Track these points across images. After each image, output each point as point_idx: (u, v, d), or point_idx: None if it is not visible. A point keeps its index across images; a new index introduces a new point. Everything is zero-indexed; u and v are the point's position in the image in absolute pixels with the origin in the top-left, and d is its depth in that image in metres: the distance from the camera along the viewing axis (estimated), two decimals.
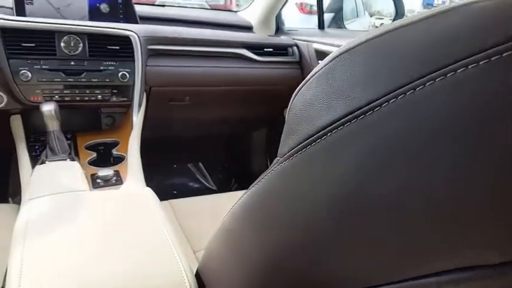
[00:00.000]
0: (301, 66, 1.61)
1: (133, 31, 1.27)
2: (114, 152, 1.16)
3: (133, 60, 1.27)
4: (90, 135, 1.28)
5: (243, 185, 2.12)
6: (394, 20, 1.62)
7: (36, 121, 1.23)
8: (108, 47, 1.24)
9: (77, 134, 1.28)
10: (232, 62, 1.49)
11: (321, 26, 1.62)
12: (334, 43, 1.43)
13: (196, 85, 1.44)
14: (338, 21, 1.69)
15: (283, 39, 1.63)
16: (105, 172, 0.97)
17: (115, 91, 1.26)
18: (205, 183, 2.15)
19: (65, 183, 0.83)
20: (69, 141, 1.19)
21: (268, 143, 2.00)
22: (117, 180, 0.98)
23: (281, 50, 1.59)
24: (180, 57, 1.41)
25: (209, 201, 1.18)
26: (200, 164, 2.18)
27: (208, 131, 1.89)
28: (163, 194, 1.09)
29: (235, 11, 1.99)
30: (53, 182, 0.84)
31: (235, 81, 1.50)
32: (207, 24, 1.68)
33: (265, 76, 1.55)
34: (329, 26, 1.65)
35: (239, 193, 1.20)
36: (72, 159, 1.04)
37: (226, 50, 1.47)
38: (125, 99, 1.28)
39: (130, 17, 1.44)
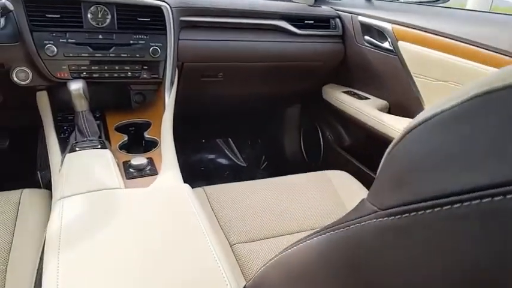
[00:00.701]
0: (344, 41, 1.48)
1: (165, 1, 1.16)
2: (146, 135, 1.09)
3: (165, 34, 1.17)
4: (119, 114, 1.21)
5: (274, 162, 2.04)
6: None
7: (63, 96, 1.16)
8: (138, 18, 1.14)
9: (106, 112, 1.21)
10: (269, 35, 1.37)
11: None
12: (384, 17, 1.28)
13: (231, 61, 1.33)
14: None
15: (324, 9, 1.49)
16: (139, 161, 0.90)
17: (145, 67, 1.17)
18: (234, 160, 2.08)
19: (98, 179, 0.76)
20: (98, 122, 1.12)
21: (302, 120, 1.89)
22: (151, 169, 0.91)
23: (323, 22, 1.45)
24: (215, 30, 1.30)
25: (245, 188, 1.11)
26: (229, 139, 2.11)
27: (240, 106, 1.80)
28: (191, 171, 1.05)
29: None
30: (85, 177, 0.77)
31: (272, 56, 1.38)
32: None
33: (305, 51, 1.42)
34: None
35: (277, 180, 1.13)
36: (103, 144, 0.97)
37: (264, 21, 1.35)
38: (156, 75, 1.19)
39: None
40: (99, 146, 0.94)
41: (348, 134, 1.55)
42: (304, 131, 1.87)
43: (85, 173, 0.79)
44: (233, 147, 2.11)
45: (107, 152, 0.90)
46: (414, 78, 1.19)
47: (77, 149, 0.92)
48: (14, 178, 1.72)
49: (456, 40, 1.04)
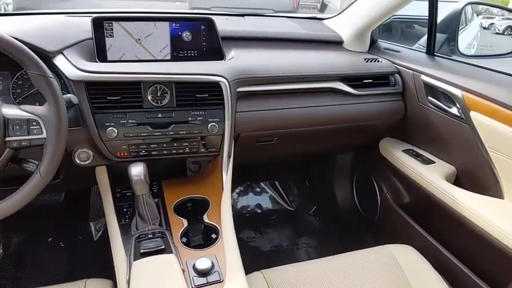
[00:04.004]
0: (404, 98, 1.40)
1: (223, 76, 1.13)
2: (206, 219, 1.06)
3: (223, 108, 1.14)
4: (176, 185, 1.20)
5: (324, 207, 1.98)
6: None
7: (121, 171, 1.16)
8: (197, 95, 1.12)
9: (162, 183, 1.20)
10: (326, 98, 1.32)
11: (430, 49, 1.37)
12: (452, 81, 1.20)
13: (287, 127, 1.29)
14: (451, 41, 1.43)
15: (383, 65, 1.41)
16: (203, 264, 0.88)
17: (203, 142, 1.15)
18: (282, 203, 2.04)
19: None
20: (156, 200, 1.11)
21: (354, 167, 1.82)
22: (216, 273, 0.88)
23: (381, 79, 1.38)
24: (271, 97, 1.26)
25: (306, 271, 1.06)
26: (276, 182, 2.06)
27: (290, 158, 1.76)
28: (237, 218, 1.04)
29: (321, 18, 1.78)
30: None
31: (328, 120, 1.33)
32: (293, 41, 1.51)
33: (363, 112, 1.36)
34: (440, 48, 1.39)
35: (338, 259, 1.07)
36: (165, 239, 0.95)
37: (320, 85, 1.31)
38: (214, 149, 1.17)
39: (213, 43, 1.28)
40: (163, 246, 0.92)
41: (411, 196, 1.46)
42: (357, 180, 1.80)
43: None
44: (280, 190, 2.06)
45: (172, 260, 0.87)
46: (489, 153, 1.10)
47: (142, 249, 0.90)
48: (70, 228, 1.77)
49: None
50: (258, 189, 2.07)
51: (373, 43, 1.61)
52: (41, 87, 0.85)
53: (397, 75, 1.40)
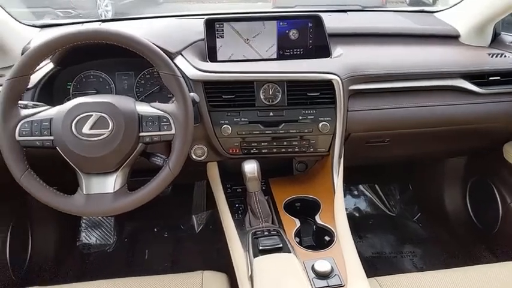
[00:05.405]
0: None
1: (336, 74, 1.09)
2: (318, 220, 1.04)
3: (334, 107, 1.11)
4: (283, 183, 1.20)
5: (429, 214, 1.84)
6: None
7: (231, 167, 1.18)
8: (308, 94, 1.10)
9: (270, 181, 1.21)
10: (446, 97, 1.21)
11: None
12: None
13: (401, 128, 1.21)
14: None
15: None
16: (323, 266, 0.85)
17: (313, 142, 1.13)
18: (382, 207, 1.94)
19: None
20: (266, 197, 1.11)
21: (468, 170, 1.66)
22: (337, 277, 0.85)
23: (510, 76, 1.23)
24: (384, 95, 1.19)
25: (425, 282, 0.98)
26: (376, 185, 1.97)
27: (400, 161, 1.66)
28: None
29: (430, 11, 1.65)
30: None
31: (449, 121, 1.22)
32: (403, 36, 1.41)
33: (488, 112, 1.23)
34: None
35: (459, 272, 0.97)
36: (281, 237, 0.95)
37: (440, 83, 1.20)
38: (323, 149, 1.14)
39: (320, 40, 1.24)
40: (280, 244, 0.91)
41: None
42: (473, 186, 1.63)
43: None
44: (380, 193, 1.97)
45: (293, 259, 0.87)
46: None
47: (260, 246, 0.91)
48: (174, 220, 1.87)
49: None
50: (356, 192, 2.00)
51: (495, 36, 1.45)
52: (171, 86, 0.89)
53: None
